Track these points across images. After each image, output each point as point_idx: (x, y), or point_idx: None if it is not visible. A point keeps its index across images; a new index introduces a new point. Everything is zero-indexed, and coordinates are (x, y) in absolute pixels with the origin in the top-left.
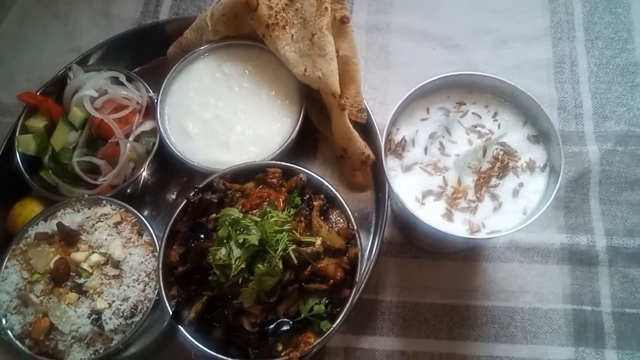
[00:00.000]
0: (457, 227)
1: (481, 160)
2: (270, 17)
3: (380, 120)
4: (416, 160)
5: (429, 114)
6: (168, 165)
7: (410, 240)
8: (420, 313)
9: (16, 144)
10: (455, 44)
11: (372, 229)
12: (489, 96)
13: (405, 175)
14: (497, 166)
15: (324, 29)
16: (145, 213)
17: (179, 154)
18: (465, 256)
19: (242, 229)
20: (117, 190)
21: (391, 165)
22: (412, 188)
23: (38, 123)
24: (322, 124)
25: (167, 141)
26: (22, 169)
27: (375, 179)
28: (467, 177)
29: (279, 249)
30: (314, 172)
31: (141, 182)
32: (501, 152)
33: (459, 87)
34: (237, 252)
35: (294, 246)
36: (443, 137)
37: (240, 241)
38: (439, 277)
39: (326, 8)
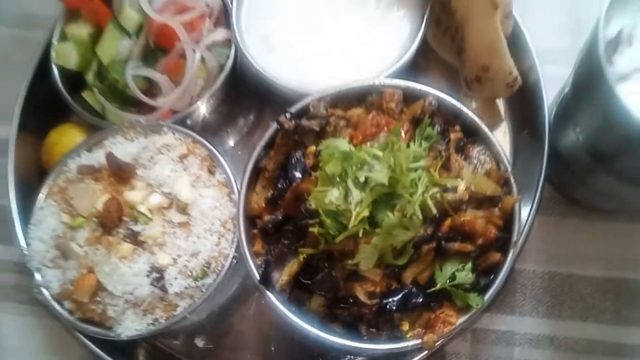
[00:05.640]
0: None
1: None
2: None
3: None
4: (637, 66)
5: None
6: (238, 92)
7: (566, 192)
8: (575, 288)
9: (53, 55)
10: None
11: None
12: None
13: (620, 86)
14: None
15: None
16: None
17: (261, 70)
18: (632, 217)
19: (359, 165)
20: (179, 117)
21: None
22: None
23: (81, 30)
24: (439, 42)
25: (247, 54)
26: (61, 87)
27: (516, 113)
28: None
29: (418, 192)
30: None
31: (202, 116)
32: None
33: None
34: (357, 194)
35: (436, 189)
36: None
37: (362, 180)
38: (600, 243)
39: None
